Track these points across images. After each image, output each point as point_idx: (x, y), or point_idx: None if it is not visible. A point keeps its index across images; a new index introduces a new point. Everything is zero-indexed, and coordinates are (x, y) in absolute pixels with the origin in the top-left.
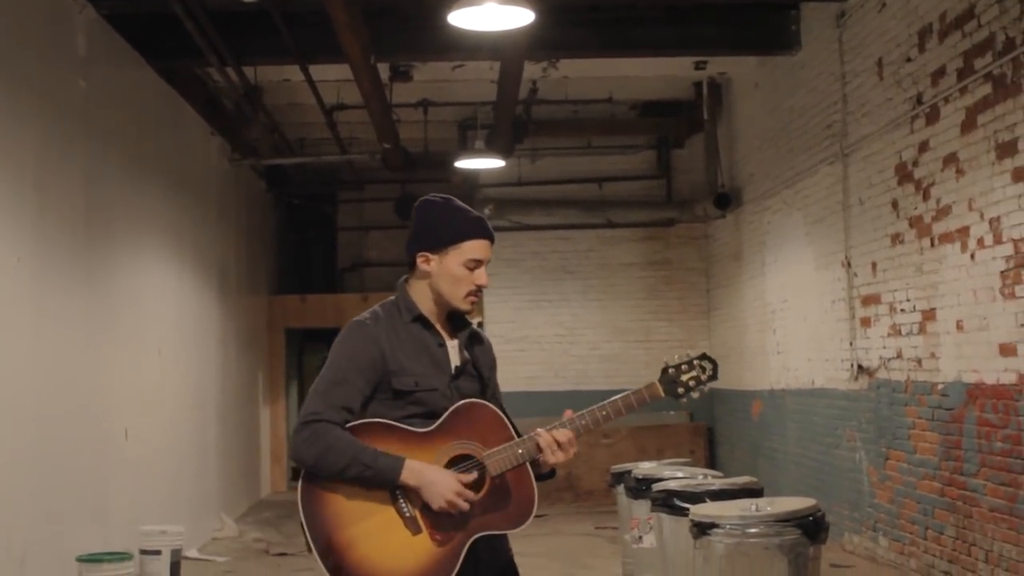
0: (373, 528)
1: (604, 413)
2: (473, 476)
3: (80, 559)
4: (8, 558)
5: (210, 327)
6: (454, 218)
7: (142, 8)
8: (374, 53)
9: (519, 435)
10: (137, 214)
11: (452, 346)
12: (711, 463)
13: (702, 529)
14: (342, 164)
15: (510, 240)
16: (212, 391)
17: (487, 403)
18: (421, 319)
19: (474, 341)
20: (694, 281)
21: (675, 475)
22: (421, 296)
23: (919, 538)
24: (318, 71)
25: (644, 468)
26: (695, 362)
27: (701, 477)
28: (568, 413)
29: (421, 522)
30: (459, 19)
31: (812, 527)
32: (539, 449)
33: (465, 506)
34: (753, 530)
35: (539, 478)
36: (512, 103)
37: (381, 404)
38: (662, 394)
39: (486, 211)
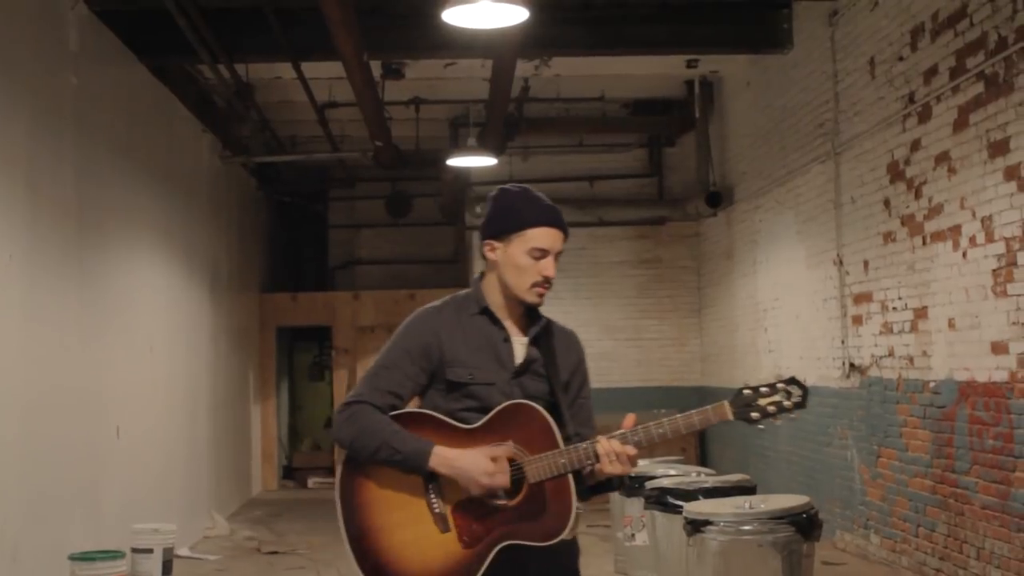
0: (403, 520)
1: (661, 431)
2: (508, 448)
3: (72, 557)
4: (0, 556)
5: (201, 325)
6: (522, 206)
7: (134, 4)
8: (366, 50)
9: (566, 444)
10: (128, 211)
11: (520, 342)
12: (702, 461)
13: (696, 526)
14: (333, 162)
15: None
16: (203, 389)
17: (537, 406)
18: (487, 312)
19: (548, 338)
20: (686, 279)
21: (668, 473)
22: (492, 288)
23: (911, 535)
24: (310, 68)
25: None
26: (779, 386)
27: (694, 475)
28: (630, 419)
29: (451, 520)
30: (453, 17)
31: (806, 524)
32: (596, 457)
33: (505, 482)
34: (747, 527)
35: (598, 488)
36: (504, 101)
37: (437, 394)
38: (730, 416)
39: (476, 209)
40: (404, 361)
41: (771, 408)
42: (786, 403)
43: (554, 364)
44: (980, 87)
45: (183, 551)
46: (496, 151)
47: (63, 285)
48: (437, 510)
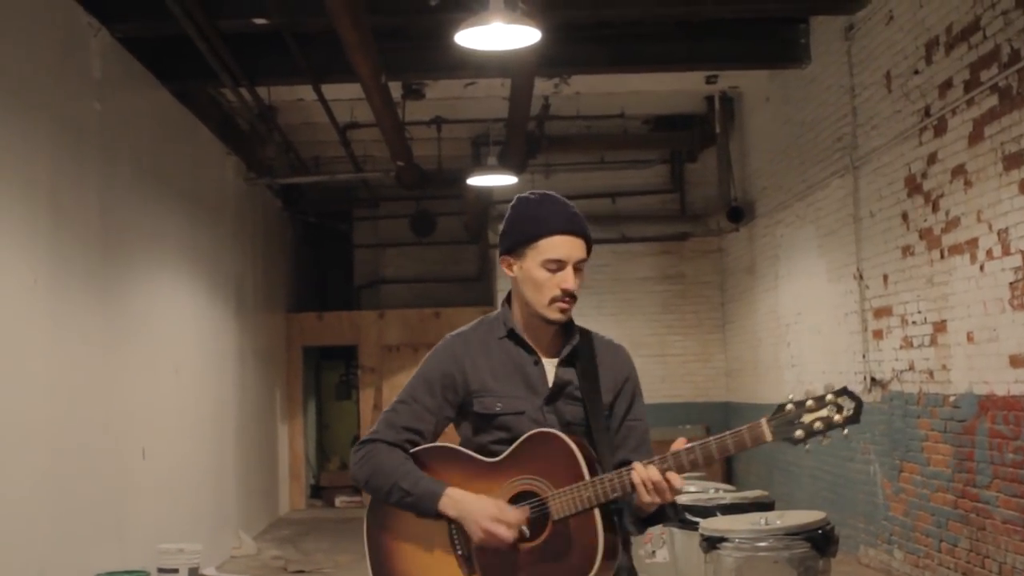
0: (430, 564)
1: (692, 457)
2: (525, 510)
3: None
4: None
5: (227, 345)
6: (535, 214)
7: (156, 31)
8: (385, 72)
9: (595, 475)
10: (153, 234)
11: (552, 364)
12: (728, 477)
13: (712, 543)
14: (357, 182)
15: None
16: (230, 409)
17: (561, 435)
18: (513, 334)
19: (588, 357)
20: (709, 295)
21: (687, 489)
22: (518, 308)
23: (933, 550)
24: (331, 90)
25: None
26: (828, 398)
27: (712, 491)
28: (680, 441)
29: (476, 562)
30: (466, 39)
31: (821, 540)
32: (632, 487)
33: (506, 535)
34: (762, 544)
35: (652, 519)
36: (524, 119)
37: (468, 428)
38: (768, 436)
39: (498, 227)
40: (423, 394)
41: (818, 425)
42: (836, 417)
43: (593, 385)
44: (994, 100)
45: (209, 571)
46: (517, 169)
47: (88, 308)
48: (461, 552)
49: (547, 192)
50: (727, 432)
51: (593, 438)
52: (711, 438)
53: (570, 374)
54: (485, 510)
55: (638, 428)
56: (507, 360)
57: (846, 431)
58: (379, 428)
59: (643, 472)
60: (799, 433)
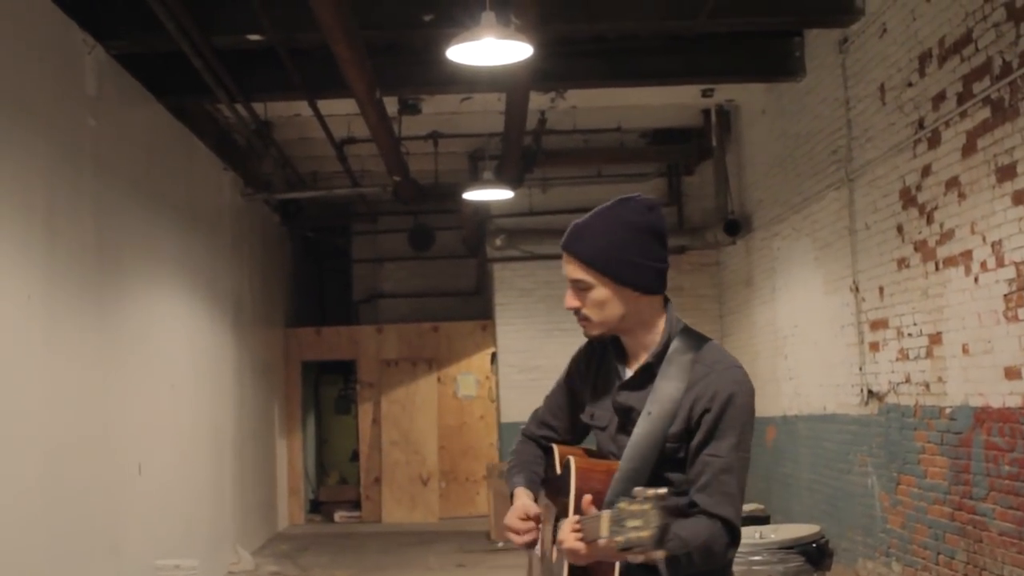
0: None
1: (588, 527)
2: (535, 532)
3: None
4: None
5: (225, 360)
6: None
7: (151, 47)
8: (379, 87)
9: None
10: (149, 250)
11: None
12: None
13: None
14: (355, 197)
15: (523, 270)
16: (227, 424)
17: (572, 464)
18: (612, 343)
19: (667, 378)
20: (707, 308)
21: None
22: None
23: (931, 563)
24: (327, 105)
25: None
26: (649, 493)
27: None
28: (587, 500)
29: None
30: (458, 55)
31: (815, 554)
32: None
33: (516, 539)
34: (757, 557)
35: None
36: (519, 134)
37: None
38: (604, 532)
39: (497, 242)
40: (557, 392)
41: (633, 536)
42: (643, 533)
43: (664, 410)
44: (987, 112)
45: None
46: (514, 184)
47: (83, 324)
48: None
49: (626, 198)
50: (606, 511)
51: (623, 468)
52: (593, 516)
53: (635, 398)
54: (509, 515)
55: (713, 465)
56: (608, 371)
57: (657, 555)
58: (528, 421)
59: (563, 527)
60: (620, 539)
